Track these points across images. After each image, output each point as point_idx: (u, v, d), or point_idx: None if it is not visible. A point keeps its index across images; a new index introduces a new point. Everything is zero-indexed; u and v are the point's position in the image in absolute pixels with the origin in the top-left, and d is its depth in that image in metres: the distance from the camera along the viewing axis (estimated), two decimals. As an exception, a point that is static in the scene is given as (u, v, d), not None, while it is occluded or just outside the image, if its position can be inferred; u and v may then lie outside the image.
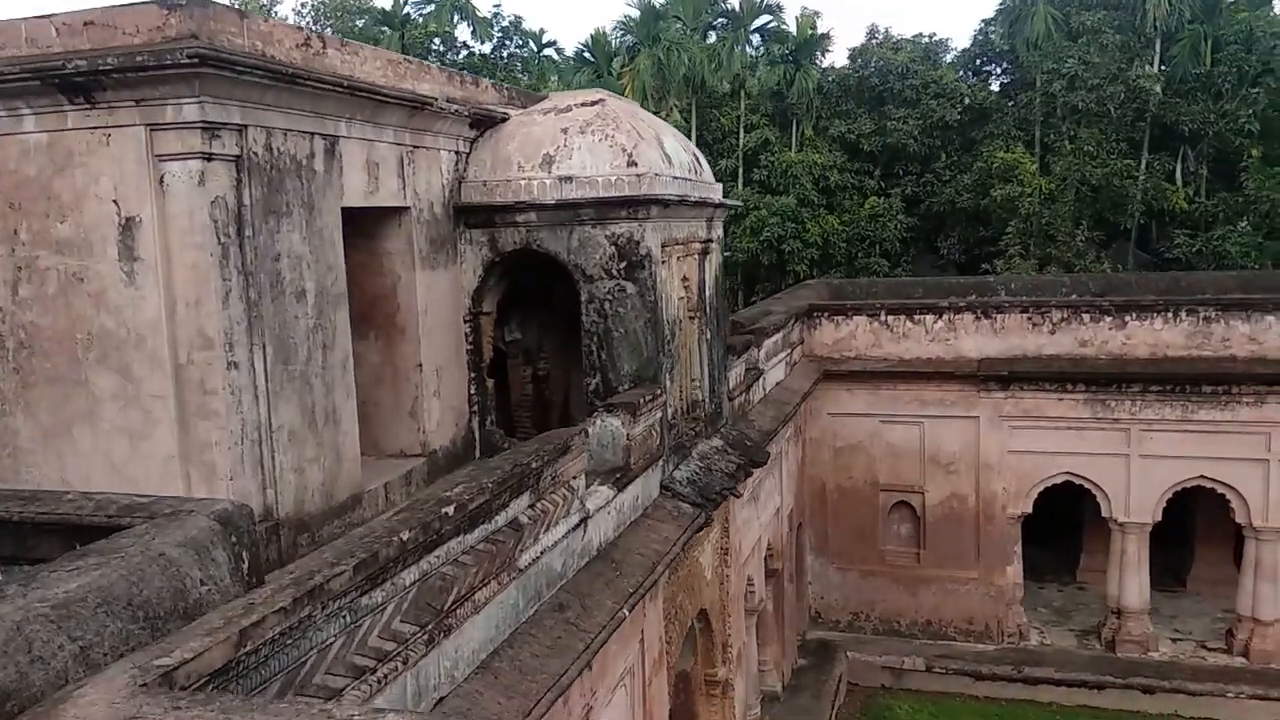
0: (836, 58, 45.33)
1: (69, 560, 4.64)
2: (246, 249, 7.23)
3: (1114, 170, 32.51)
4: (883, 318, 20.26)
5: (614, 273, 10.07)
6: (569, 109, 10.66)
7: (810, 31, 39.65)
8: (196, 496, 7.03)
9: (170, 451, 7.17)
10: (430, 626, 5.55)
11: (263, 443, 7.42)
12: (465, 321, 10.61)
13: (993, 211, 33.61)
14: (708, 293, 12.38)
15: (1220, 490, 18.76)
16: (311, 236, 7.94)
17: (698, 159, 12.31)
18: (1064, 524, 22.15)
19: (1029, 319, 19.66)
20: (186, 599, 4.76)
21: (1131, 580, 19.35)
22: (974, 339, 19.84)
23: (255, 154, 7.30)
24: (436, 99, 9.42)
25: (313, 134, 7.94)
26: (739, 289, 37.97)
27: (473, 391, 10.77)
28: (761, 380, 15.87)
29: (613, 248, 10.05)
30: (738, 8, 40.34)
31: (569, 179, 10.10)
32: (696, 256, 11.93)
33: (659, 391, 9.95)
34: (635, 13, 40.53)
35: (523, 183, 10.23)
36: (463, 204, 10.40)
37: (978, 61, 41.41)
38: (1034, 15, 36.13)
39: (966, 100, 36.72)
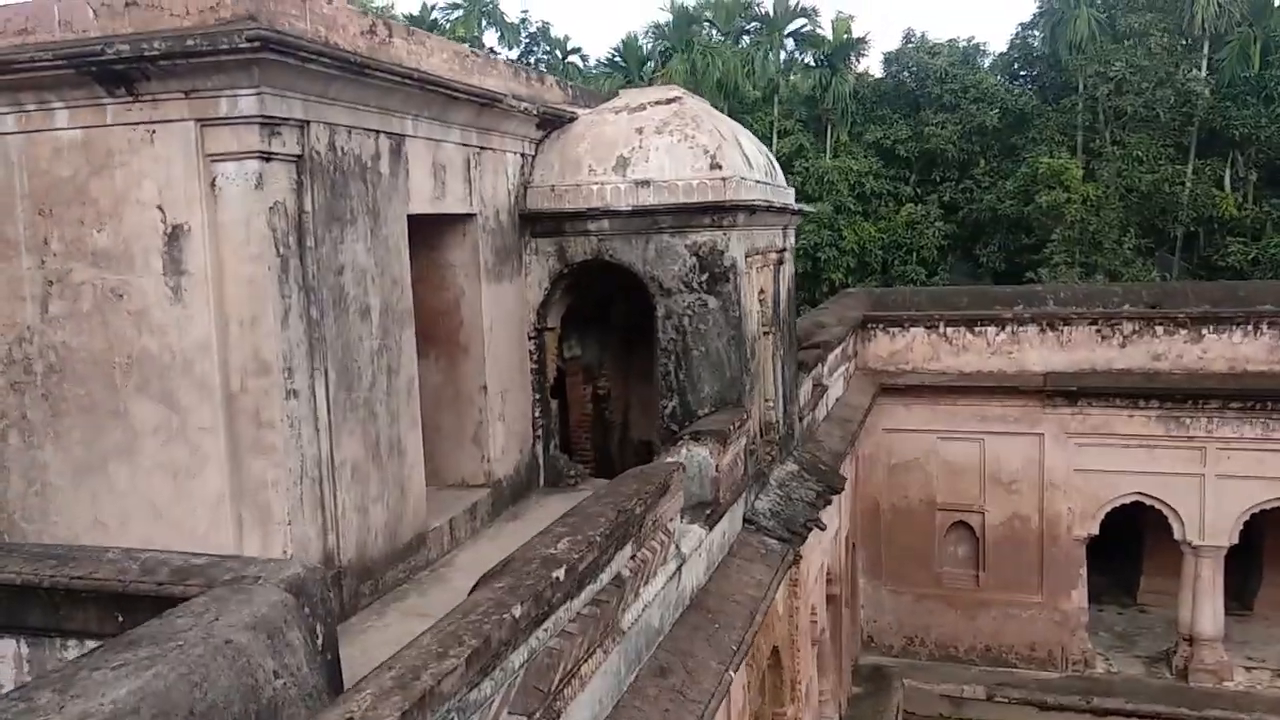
0: (871, 63, 44.20)
1: (115, 653, 3.74)
2: (308, 261, 6.35)
3: (1164, 176, 31.45)
4: (941, 329, 19.30)
5: (694, 286, 9.17)
6: (643, 107, 9.77)
7: (845, 36, 38.71)
8: (250, 546, 6.17)
9: (220, 491, 6.29)
10: (538, 715, 4.65)
11: (324, 481, 6.54)
12: (529, 339, 9.72)
13: (1035, 219, 32.57)
14: (781, 306, 11.47)
15: (1303, 513, 17.75)
16: (376, 247, 7.06)
17: (772, 162, 11.40)
18: (1121, 543, 21.09)
19: (1097, 331, 18.67)
20: (259, 698, 3.87)
21: (1205, 606, 18.30)
22: (1039, 352, 18.86)
23: (318, 154, 6.42)
24: (505, 95, 8.54)
25: (378, 132, 7.07)
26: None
27: (536, 414, 9.87)
28: (825, 397, 14.95)
29: (694, 258, 9.14)
30: (771, 12, 39.42)
31: (646, 183, 9.20)
32: (773, 267, 11.02)
33: (745, 416, 9.04)
34: (667, 16, 39.68)
35: (594, 187, 9.34)
36: (529, 211, 9.52)
37: (1015, 66, 40.38)
38: (1077, 18, 35.10)
39: (1006, 105, 35.69)
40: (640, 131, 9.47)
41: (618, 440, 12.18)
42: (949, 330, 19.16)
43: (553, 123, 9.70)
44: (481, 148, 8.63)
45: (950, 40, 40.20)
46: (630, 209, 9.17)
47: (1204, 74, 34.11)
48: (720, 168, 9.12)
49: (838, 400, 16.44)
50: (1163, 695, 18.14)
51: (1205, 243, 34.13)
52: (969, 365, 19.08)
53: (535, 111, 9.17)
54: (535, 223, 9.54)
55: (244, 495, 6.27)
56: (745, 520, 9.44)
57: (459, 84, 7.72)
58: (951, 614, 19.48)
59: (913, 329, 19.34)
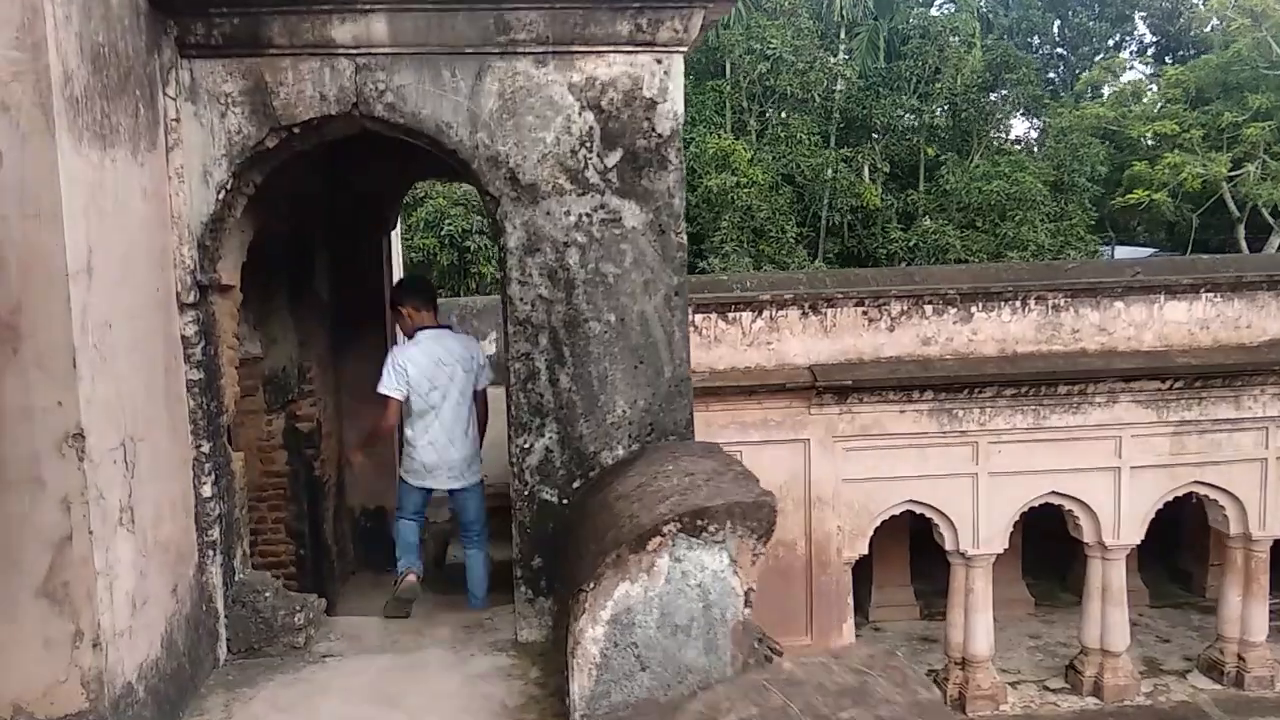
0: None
1: None
2: None
3: (825, 161, 30.32)
4: (689, 317, 15.36)
5: (592, 178, 4.07)
6: None
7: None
8: None
9: None
10: None
11: None
12: (187, 307, 4.01)
13: (700, 204, 30.06)
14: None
15: (1069, 506, 16.05)
16: None
17: None
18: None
19: (864, 313, 15.70)
20: None
21: (979, 623, 16.02)
22: (801, 341, 15.50)
23: None
24: None
25: None
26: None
27: (207, 490, 4.14)
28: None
29: (590, 114, 4.04)
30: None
31: (473, -63, 3.94)
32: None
33: (731, 458, 4.11)
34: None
35: (343, -58, 3.89)
36: (170, -10, 3.84)
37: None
38: (724, -7, 33.35)
39: (656, 83, 33.07)
40: None
41: (333, 517, 6.57)
42: (698, 318, 15.26)
43: None
44: None
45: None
46: (449, -13, 3.83)
47: (842, 61, 33.82)
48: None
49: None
50: (946, 732, 15.67)
51: (848, 232, 33.89)
52: (722, 360, 15.29)
53: None
54: (192, 19, 3.87)
55: None
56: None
57: None
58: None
59: (656, 317, 15.26)
